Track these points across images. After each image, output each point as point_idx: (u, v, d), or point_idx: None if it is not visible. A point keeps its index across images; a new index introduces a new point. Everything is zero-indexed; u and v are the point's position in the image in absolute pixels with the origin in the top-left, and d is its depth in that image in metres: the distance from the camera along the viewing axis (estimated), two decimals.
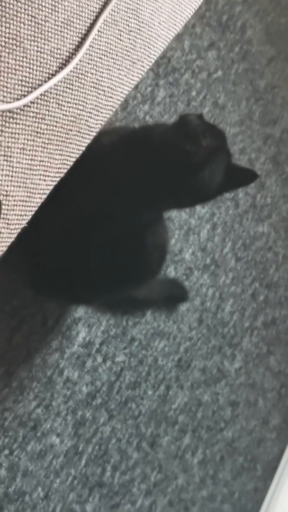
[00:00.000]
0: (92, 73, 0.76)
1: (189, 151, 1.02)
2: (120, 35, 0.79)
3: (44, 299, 1.40)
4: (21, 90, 0.68)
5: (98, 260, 1.18)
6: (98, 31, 0.76)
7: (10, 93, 0.67)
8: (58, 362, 1.44)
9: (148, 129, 1.19)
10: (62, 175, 0.76)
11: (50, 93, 0.71)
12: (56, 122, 0.73)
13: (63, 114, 0.73)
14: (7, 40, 0.66)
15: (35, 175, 0.71)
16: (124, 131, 1.26)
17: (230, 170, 1.10)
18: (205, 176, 1.03)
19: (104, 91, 0.78)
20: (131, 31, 0.80)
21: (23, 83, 0.68)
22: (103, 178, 1.10)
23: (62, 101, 0.73)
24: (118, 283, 1.28)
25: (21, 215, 0.71)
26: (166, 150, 1.06)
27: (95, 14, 0.75)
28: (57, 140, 0.73)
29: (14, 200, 0.70)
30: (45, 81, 0.70)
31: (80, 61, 0.74)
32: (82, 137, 0.77)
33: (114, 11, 0.77)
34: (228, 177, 1.09)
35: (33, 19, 0.68)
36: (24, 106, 0.69)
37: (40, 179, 0.72)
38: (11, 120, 0.68)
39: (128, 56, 0.81)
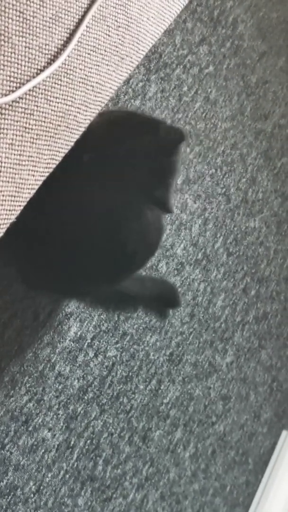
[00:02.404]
0: (80, 69, 0.76)
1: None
2: (109, 31, 0.79)
3: (35, 294, 1.41)
4: (10, 86, 0.68)
5: (94, 249, 1.18)
6: (87, 27, 0.76)
7: None
8: (49, 357, 1.45)
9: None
10: (51, 170, 0.76)
11: (39, 88, 0.72)
12: (45, 117, 0.73)
13: (51, 110, 0.73)
14: None
15: (23, 170, 0.72)
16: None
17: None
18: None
19: (93, 87, 0.79)
20: (119, 26, 0.80)
21: (11, 78, 0.69)
22: (90, 167, 1.11)
23: (50, 96, 0.73)
24: (117, 267, 1.28)
25: (10, 210, 0.72)
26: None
27: (83, 9, 0.75)
28: (45, 136, 0.74)
29: (3, 195, 0.70)
30: (34, 77, 0.70)
31: (68, 56, 0.74)
32: (70, 132, 0.77)
33: (103, 7, 0.78)
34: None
35: (21, 14, 0.68)
36: (12, 101, 0.69)
37: (28, 174, 0.73)
38: None
39: (117, 51, 0.81)
